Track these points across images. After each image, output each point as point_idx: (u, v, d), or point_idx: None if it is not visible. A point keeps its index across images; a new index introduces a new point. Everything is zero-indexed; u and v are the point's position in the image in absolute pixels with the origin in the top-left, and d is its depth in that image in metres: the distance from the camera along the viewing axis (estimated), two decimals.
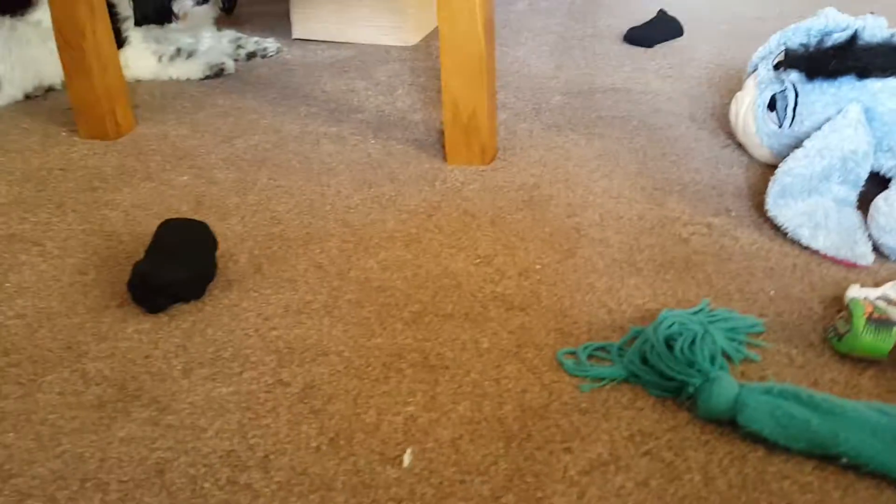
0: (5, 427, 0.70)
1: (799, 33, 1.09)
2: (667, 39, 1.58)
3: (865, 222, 0.89)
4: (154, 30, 1.50)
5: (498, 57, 1.53)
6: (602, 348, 0.75)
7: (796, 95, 1.00)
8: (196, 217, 1.01)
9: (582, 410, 0.69)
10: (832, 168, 0.92)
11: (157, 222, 0.90)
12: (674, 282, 0.85)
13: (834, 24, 1.07)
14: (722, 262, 0.88)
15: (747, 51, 1.49)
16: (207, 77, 1.50)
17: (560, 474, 0.63)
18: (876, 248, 0.87)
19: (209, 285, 0.87)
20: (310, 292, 0.86)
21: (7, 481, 0.64)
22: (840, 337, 0.72)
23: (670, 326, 0.72)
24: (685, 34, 1.61)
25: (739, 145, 1.12)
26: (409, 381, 0.73)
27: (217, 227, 0.99)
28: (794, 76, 1.01)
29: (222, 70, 1.51)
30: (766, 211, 0.92)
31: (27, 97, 1.43)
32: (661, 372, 0.70)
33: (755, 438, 0.64)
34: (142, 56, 1.51)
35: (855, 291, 0.79)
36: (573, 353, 0.75)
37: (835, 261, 0.87)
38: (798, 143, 0.96)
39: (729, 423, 0.66)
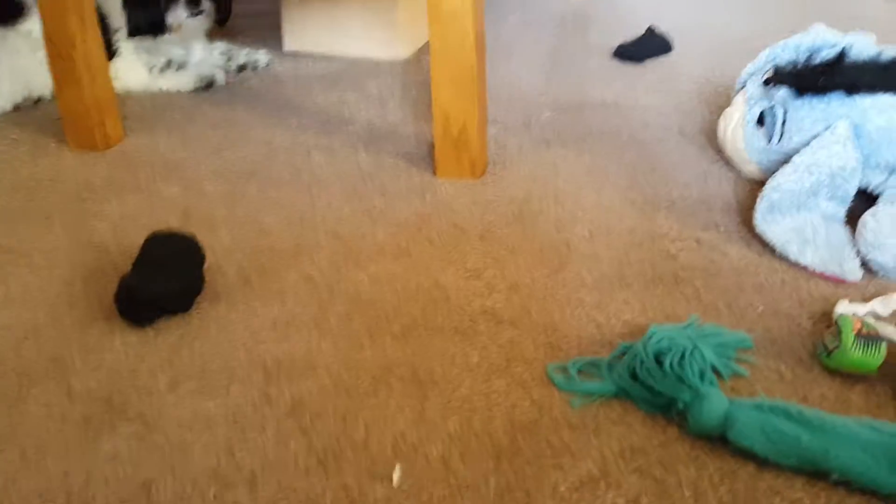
0: None
1: (788, 50, 1.10)
2: (656, 55, 1.59)
3: (853, 238, 0.90)
4: (145, 41, 1.50)
5: (488, 71, 1.53)
6: (592, 363, 0.75)
7: (785, 112, 1.00)
8: (184, 229, 1.01)
9: (572, 426, 0.68)
10: (820, 184, 0.92)
11: (146, 234, 0.90)
12: (663, 297, 0.85)
13: (822, 41, 1.07)
14: (711, 277, 0.88)
15: (736, 67, 1.50)
16: (198, 89, 1.50)
17: (550, 491, 0.63)
18: (864, 264, 0.88)
19: (197, 298, 0.87)
20: (298, 305, 0.86)
21: None
22: (829, 352, 0.72)
23: (659, 342, 0.72)
24: (674, 50, 1.62)
25: (728, 161, 1.13)
26: (399, 397, 0.73)
27: (205, 240, 0.98)
28: (783, 92, 1.02)
29: (213, 82, 1.50)
30: (755, 226, 0.92)
31: (16, 108, 1.42)
32: (650, 388, 0.69)
33: (745, 454, 0.64)
34: (132, 67, 1.50)
35: (844, 307, 0.80)
36: (563, 369, 0.75)
37: (823, 276, 0.87)
38: (787, 159, 0.96)
39: (719, 439, 0.65)
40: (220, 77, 1.51)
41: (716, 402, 0.65)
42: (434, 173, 1.13)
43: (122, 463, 0.66)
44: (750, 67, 1.13)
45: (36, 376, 0.77)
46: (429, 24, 1.03)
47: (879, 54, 1.03)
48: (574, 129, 1.26)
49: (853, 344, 0.70)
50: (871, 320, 0.75)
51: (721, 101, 1.35)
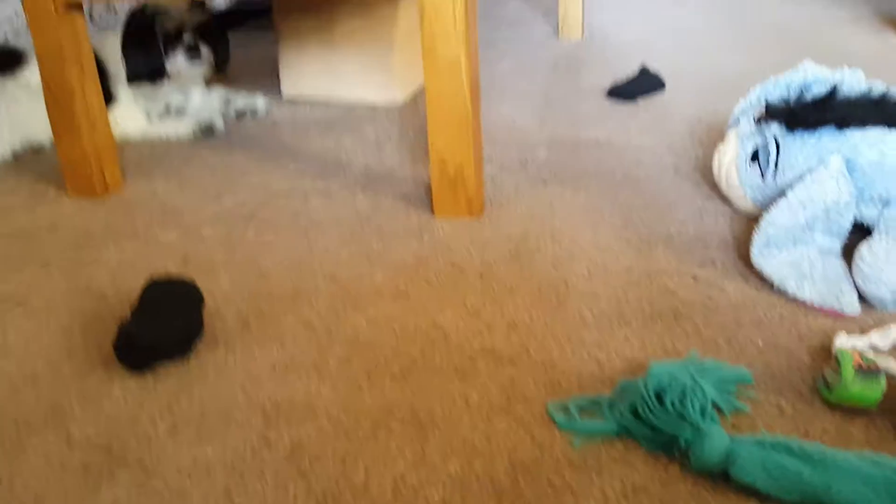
0: None
1: (779, 87, 1.11)
2: (649, 94, 1.61)
3: (850, 272, 0.90)
4: (144, 88, 1.52)
5: (483, 113, 1.55)
6: (593, 401, 0.75)
7: (778, 147, 1.01)
8: (183, 274, 1.01)
9: (574, 466, 0.68)
10: (815, 218, 0.93)
11: (144, 281, 0.90)
12: (662, 333, 0.85)
13: (812, 77, 1.09)
14: (709, 312, 0.88)
15: (728, 104, 1.52)
16: (196, 135, 1.51)
17: None
18: (862, 297, 0.88)
19: (195, 343, 0.87)
20: (297, 349, 0.86)
21: None
22: (829, 387, 0.72)
23: (660, 379, 0.72)
24: (667, 89, 1.64)
25: (723, 197, 1.14)
26: (399, 439, 0.72)
27: (204, 285, 0.99)
28: (775, 129, 1.03)
29: (211, 128, 1.52)
30: (752, 262, 0.93)
31: (16, 155, 1.44)
32: (652, 425, 0.69)
33: (748, 491, 0.63)
34: (131, 114, 1.52)
35: (842, 341, 0.80)
36: (564, 407, 0.74)
37: (821, 310, 0.87)
38: (781, 195, 0.97)
39: (721, 476, 0.65)
40: (219, 123, 1.53)
41: (717, 439, 0.65)
42: (431, 214, 1.14)
43: None
44: (742, 105, 1.14)
45: (35, 425, 0.76)
46: (424, 69, 1.04)
47: (869, 89, 1.05)
48: (569, 168, 1.27)
49: (853, 378, 0.70)
50: (870, 354, 0.75)
51: (714, 139, 1.36)
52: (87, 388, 0.81)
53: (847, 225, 0.94)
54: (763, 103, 1.11)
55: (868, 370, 0.71)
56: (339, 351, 0.85)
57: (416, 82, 1.73)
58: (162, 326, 0.83)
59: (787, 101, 1.05)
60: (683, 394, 0.70)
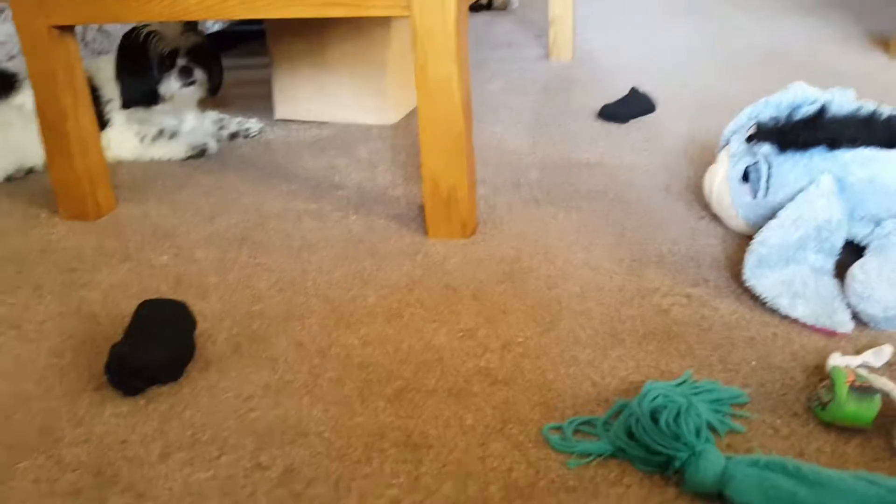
0: None
1: (769, 107, 1.12)
2: (640, 115, 1.62)
3: (843, 290, 0.90)
4: (138, 111, 1.52)
5: (476, 133, 1.56)
6: (588, 422, 0.75)
7: (769, 167, 1.02)
8: (175, 297, 1.01)
9: (569, 488, 0.68)
10: (807, 237, 0.93)
11: (136, 303, 0.90)
12: (656, 353, 0.85)
13: (803, 97, 1.10)
14: (703, 332, 0.88)
15: (719, 125, 1.53)
16: (190, 157, 1.51)
17: None
18: (854, 316, 0.88)
19: (188, 366, 0.86)
20: (290, 371, 0.85)
21: None
22: (824, 406, 0.72)
23: (655, 399, 0.71)
24: (658, 110, 1.65)
25: (715, 217, 1.14)
26: (392, 462, 0.72)
27: (196, 307, 0.98)
28: (766, 148, 1.03)
29: (204, 150, 1.52)
30: (745, 281, 0.93)
31: (8, 178, 1.43)
32: (647, 446, 0.69)
33: None
34: (124, 137, 1.52)
35: (836, 360, 0.80)
36: (559, 429, 0.74)
37: (815, 329, 0.87)
38: (772, 214, 0.97)
39: (717, 497, 0.65)
40: (212, 145, 1.53)
41: (712, 460, 0.65)
42: (425, 234, 1.14)
43: None
44: (732, 125, 1.15)
45: (25, 449, 0.75)
46: (416, 89, 1.05)
47: (859, 109, 1.06)
48: (562, 189, 1.28)
49: (847, 397, 0.70)
50: (863, 372, 0.75)
51: (705, 159, 1.37)
52: (78, 412, 0.80)
53: (839, 244, 0.95)
54: (754, 123, 1.11)
55: (862, 389, 0.71)
56: (331, 373, 0.85)
57: (409, 104, 1.74)
58: (154, 349, 0.83)
59: (777, 121, 1.06)
60: (678, 414, 0.69)
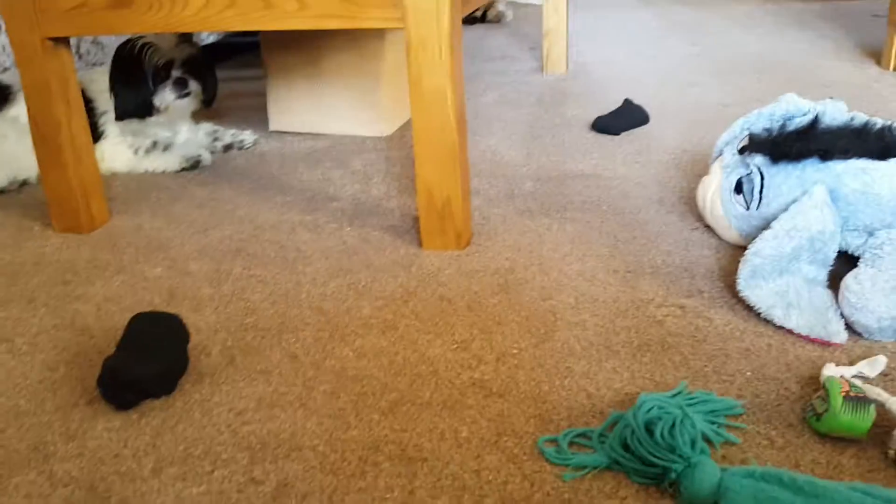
0: None
1: (762, 118, 1.12)
2: (633, 127, 1.62)
3: (837, 301, 0.91)
4: (132, 123, 1.52)
5: (470, 145, 1.56)
6: (583, 434, 0.74)
7: (762, 178, 1.02)
8: (169, 309, 1.00)
9: (565, 501, 0.67)
10: (801, 248, 0.93)
11: (129, 316, 0.89)
12: (651, 364, 0.85)
13: (795, 108, 1.10)
14: (697, 343, 0.88)
15: (712, 136, 1.53)
16: (184, 169, 1.51)
17: None
18: (848, 326, 0.88)
19: (181, 379, 0.86)
20: (283, 384, 0.85)
21: None
22: (818, 416, 0.72)
23: (650, 411, 0.71)
24: (651, 122, 1.65)
25: (708, 228, 1.14)
26: (387, 476, 0.71)
27: (190, 319, 0.98)
28: (758, 160, 1.04)
29: (199, 162, 1.52)
30: (739, 292, 0.93)
31: (2, 191, 1.43)
32: (642, 458, 0.69)
33: None
34: (118, 149, 1.52)
35: (831, 370, 0.80)
36: (554, 441, 0.74)
37: (809, 340, 0.87)
38: (766, 225, 0.98)
39: None
40: (206, 157, 1.53)
41: (708, 471, 0.65)
42: (419, 246, 1.14)
43: None
44: (725, 136, 1.16)
45: (17, 464, 0.75)
46: (410, 100, 1.05)
47: (851, 120, 1.06)
48: (556, 200, 1.28)
49: (842, 407, 0.70)
50: (858, 382, 0.75)
51: (698, 170, 1.37)
52: (71, 426, 0.80)
53: (832, 254, 0.95)
54: (746, 134, 1.12)
55: (857, 399, 0.71)
56: (325, 385, 0.84)
57: (403, 116, 1.74)
58: (147, 362, 0.83)
59: (770, 132, 1.06)
60: (673, 426, 0.69)
